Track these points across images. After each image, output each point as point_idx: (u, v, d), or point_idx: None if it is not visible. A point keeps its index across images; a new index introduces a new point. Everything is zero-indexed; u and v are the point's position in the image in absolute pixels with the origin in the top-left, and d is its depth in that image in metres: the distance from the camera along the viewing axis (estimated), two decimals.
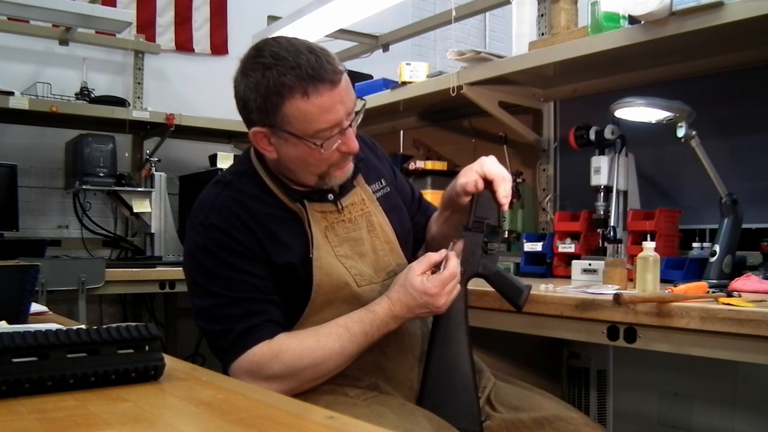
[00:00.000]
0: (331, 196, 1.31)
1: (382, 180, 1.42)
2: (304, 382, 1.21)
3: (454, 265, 1.23)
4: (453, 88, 2.33)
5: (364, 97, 1.31)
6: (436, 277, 1.21)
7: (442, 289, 1.21)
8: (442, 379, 1.27)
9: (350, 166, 1.29)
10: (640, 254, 1.50)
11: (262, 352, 1.18)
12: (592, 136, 2.12)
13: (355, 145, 1.23)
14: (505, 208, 1.29)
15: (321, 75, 1.15)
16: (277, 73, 1.15)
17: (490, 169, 1.27)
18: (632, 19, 1.87)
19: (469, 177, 1.27)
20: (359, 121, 1.25)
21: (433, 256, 1.25)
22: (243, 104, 1.23)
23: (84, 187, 3.07)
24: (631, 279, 1.65)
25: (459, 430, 1.21)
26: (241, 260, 1.22)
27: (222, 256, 1.21)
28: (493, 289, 1.32)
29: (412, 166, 2.71)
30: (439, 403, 1.25)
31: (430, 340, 1.29)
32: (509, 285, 1.31)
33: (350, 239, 1.31)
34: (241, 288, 1.21)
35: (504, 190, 1.26)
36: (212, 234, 1.22)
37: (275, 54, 1.17)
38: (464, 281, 1.28)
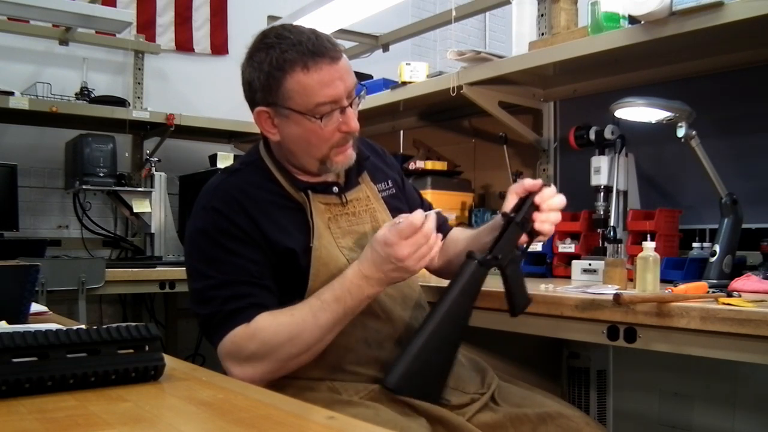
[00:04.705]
0: (335, 189, 1.32)
1: (389, 182, 1.44)
2: (284, 360, 1.19)
3: (415, 217, 1.16)
4: (453, 88, 2.33)
5: (365, 97, 1.32)
6: (394, 227, 1.16)
7: (400, 238, 1.15)
8: (412, 336, 1.24)
9: (350, 153, 1.30)
10: (640, 254, 1.50)
11: (241, 333, 1.18)
12: (592, 136, 2.12)
13: (355, 124, 1.26)
14: (543, 229, 1.31)
15: (321, 51, 1.20)
16: (280, 51, 1.20)
17: (554, 191, 1.33)
18: (632, 19, 1.87)
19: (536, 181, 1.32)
20: (360, 105, 1.28)
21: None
22: (248, 86, 1.27)
23: (84, 187, 3.07)
24: (631, 279, 1.65)
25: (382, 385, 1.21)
26: (237, 244, 1.22)
27: (218, 239, 1.23)
28: (494, 290, 1.32)
29: (412, 166, 2.71)
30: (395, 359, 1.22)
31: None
32: (522, 290, 1.33)
33: (353, 232, 1.32)
34: (231, 271, 1.21)
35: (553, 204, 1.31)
36: (212, 217, 1.24)
37: (279, 35, 1.23)
38: (493, 266, 1.28)
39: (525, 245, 1.35)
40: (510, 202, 1.33)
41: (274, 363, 1.19)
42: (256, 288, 1.22)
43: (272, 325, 1.19)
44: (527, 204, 1.31)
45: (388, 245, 1.16)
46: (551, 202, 1.31)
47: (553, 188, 1.33)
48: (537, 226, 1.31)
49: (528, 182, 1.32)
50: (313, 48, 1.19)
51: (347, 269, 1.21)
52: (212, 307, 1.21)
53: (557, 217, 1.32)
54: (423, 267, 1.22)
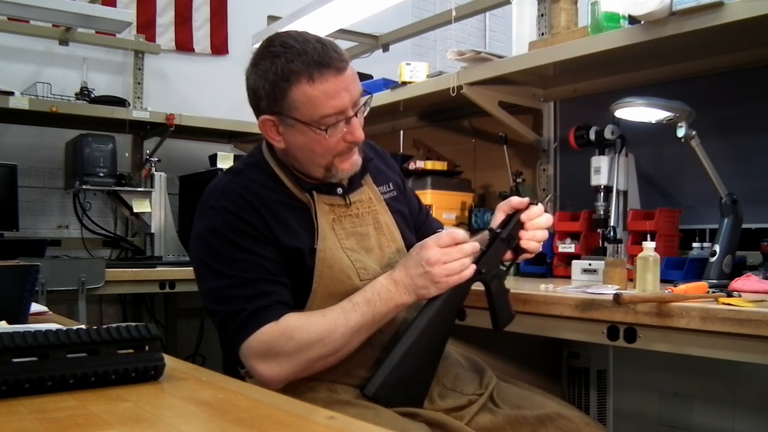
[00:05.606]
0: (339, 190, 1.32)
1: (390, 184, 1.44)
2: (312, 360, 1.19)
3: (458, 231, 1.23)
4: (453, 88, 2.33)
5: (371, 104, 1.32)
6: (435, 235, 1.23)
7: (435, 244, 1.20)
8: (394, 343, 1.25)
9: (356, 159, 1.30)
10: (640, 254, 1.50)
11: (271, 331, 1.18)
12: (592, 136, 2.12)
13: (360, 134, 1.26)
14: (529, 245, 1.34)
15: (327, 62, 1.19)
16: (285, 60, 1.19)
17: (541, 209, 1.34)
18: (632, 19, 1.87)
19: (523, 199, 1.34)
20: (365, 113, 1.28)
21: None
22: (253, 93, 1.26)
23: (84, 187, 3.07)
24: (631, 279, 1.65)
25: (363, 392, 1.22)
26: (251, 242, 1.23)
27: (232, 238, 1.22)
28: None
29: (412, 166, 2.71)
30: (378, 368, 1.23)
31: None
32: (505, 305, 1.34)
33: (357, 233, 1.32)
34: (250, 269, 1.21)
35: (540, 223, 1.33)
36: (223, 216, 1.24)
37: (284, 43, 1.21)
38: (476, 280, 1.29)
39: (510, 262, 1.37)
40: (497, 219, 1.36)
41: (302, 362, 1.19)
42: (276, 285, 1.23)
43: (305, 324, 1.19)
44: (513, 221, 1.33)
45: (423, 248, 1.20)
46: (537, 221, 1.33)
47: (540, 207, 1.35)
48: (523, 243, 1.33)
49: (515, 200, 1.34)
50: (318, 59, 1.18)
51: (381, 276, 1.24)
52: (233, 305, 1.20)
53: (543, 235, 1.34)
54: (450, 285, 1.22)
